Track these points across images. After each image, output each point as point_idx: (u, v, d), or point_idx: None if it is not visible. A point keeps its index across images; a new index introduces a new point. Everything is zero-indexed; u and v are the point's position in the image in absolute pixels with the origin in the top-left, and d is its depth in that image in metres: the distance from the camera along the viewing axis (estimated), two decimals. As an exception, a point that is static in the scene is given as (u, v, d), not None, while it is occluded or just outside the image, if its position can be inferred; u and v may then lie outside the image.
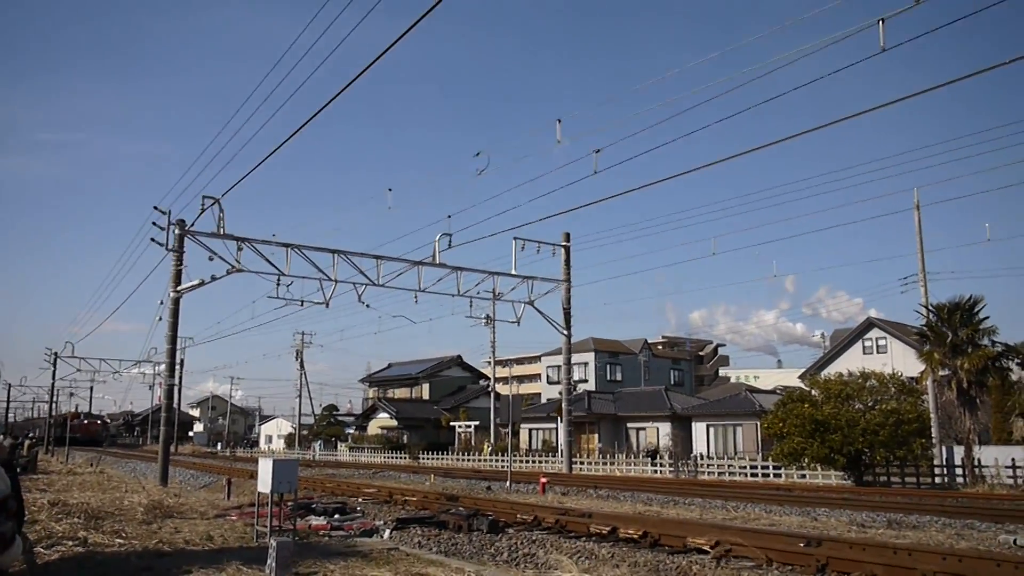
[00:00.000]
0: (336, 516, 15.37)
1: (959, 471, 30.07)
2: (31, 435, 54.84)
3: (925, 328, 30.90)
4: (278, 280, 28.38)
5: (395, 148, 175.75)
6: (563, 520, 13.85)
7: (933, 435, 31.31)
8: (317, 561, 8.67)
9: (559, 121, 20.19)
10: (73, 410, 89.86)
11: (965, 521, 14.75)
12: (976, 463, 28.61)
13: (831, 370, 39.48)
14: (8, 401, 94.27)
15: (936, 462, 31.45)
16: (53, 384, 71.55)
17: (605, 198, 26.65)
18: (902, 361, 40.37)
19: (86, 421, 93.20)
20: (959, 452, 30.19)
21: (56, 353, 66.14)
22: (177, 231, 26.90)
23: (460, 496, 19.61)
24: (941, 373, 29.85)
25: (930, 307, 31.23)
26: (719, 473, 37.37)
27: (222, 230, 26.50)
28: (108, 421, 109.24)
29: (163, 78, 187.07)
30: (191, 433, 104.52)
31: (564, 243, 36.05)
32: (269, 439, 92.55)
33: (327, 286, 29.38)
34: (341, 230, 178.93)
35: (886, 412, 28.93)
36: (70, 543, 10.14)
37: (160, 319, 30.24)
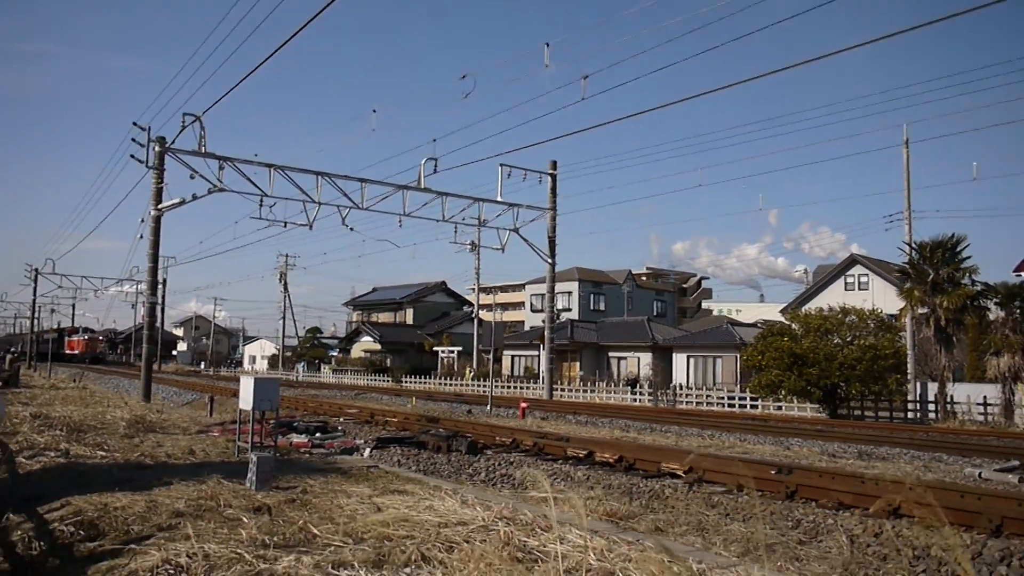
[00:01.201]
0: (317, 434, 15.55)
1: (932, 407, 30.70)
2: (13, 350, 54.80)
3: (907, 265, 31.10)
4: (261, 201, 28.05)
5: (380, 69, 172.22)
6: (541, 443, 14.07)
7: (909, 371, 31.87)
8: (297, 476, 8.77)
9: (547, 45, 19.87)
10: (56, 325, 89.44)
11: (933, 454, 15.10)
12: (949, 399, 29.18)
13: (813, 305, 39.87)
14: None
15: (910, 397, 32.09)
16: (34, 301, 71.29)
17: (592, 126, 26.46)
18: (883, 298, 40.77)
19: (86, 337, 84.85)
20: (933, 388, 30.77)
21: (36, 270, 65.59)
22: (157, 148, 26.31)
23: (441, 418, 19.89)
24: (920, 311, 30.14)
25: (913, 245, 31.37)
26: (697, 403, 38.00)
27: (203, 148, 26.03)
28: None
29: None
30: (175, 352, 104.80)
31: (551, 171, 35.76)
32: (253, 360, 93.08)
33: (310, 208, 29.11)
34: (324, 151, 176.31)
35: (863, 347, 29.33)
36: (52, 454, 10.23)
37: (141, 237, 29.88)
